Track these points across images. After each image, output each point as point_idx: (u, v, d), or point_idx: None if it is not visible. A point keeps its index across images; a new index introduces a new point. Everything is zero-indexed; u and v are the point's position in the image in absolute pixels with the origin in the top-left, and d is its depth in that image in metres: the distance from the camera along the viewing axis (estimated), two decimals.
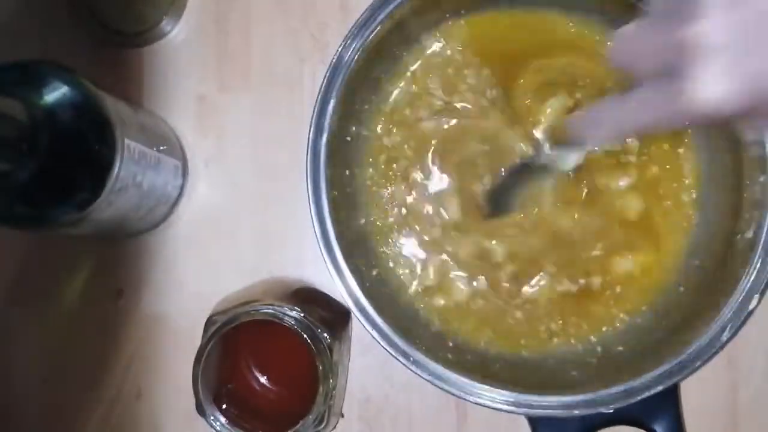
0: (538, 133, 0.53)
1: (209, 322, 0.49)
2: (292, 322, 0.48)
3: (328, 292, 0.56)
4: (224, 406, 0.48)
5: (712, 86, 0.32)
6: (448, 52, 0.55)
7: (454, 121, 0.54)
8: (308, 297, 0.56)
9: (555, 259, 0.54)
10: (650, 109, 0.36)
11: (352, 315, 0.49)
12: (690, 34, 0.32)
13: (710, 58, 0.32)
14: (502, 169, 0.54)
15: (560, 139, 0.52)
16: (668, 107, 0.35)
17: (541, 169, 0.52)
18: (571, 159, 0.49)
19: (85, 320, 0.58)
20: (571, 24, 0.54)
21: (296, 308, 0.48)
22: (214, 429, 0.48)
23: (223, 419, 0.48)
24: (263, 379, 0.52)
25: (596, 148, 0.52)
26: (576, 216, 0.54)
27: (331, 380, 0.48)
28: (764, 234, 0.47)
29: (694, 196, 0.54)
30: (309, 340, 0.47)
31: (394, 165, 0.55)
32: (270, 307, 0.48)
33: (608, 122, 0.40)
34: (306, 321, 0.48)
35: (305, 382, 0.48)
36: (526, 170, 0.53)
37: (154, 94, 0.58)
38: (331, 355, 0.48)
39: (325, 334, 0.48)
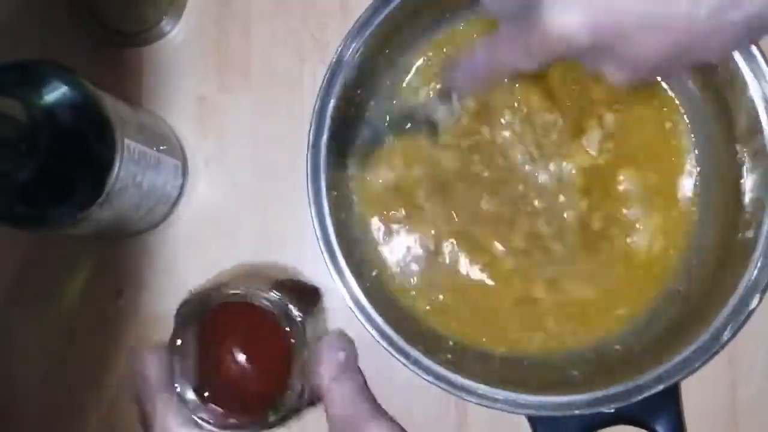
0: None
1: (179, 311, 0.48)
2: (263, 302, 0.47)
3: (321, 286, 0.56)
4: (206, 395, 0.48)
5: (565, 14, 0.32)
6: (449, 52, 0.55)
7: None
8: (278, 278, 0.55)
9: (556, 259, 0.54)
10: (514, 44, 0.37)
11: (323, 293, 0.50)
12: None
13: None
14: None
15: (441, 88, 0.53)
16: (529, 39, 0.35)
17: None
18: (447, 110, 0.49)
19: (85, 320, 0.58)
20: None
21: (266, 288, 0.48)
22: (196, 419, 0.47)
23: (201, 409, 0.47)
24: (242, 362, 0.52)
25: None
26: (577, 216, 0.54)
27: (306, 354, 0.48)
28: (764, 233, 0.47)
29: (693, 195, 0.54)
30: (281, 318, 0.47)
31: (395, 165, 0.54)
32: (240, 288, 0.47)
33: (480, 64, 0.40)
34: (277, 300, 0.47)
35: (284, 362, 0.48)
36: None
37: (154, 94, 0.58)
38: (305, 330, 0.48)
39: (296, 311, 0.48)
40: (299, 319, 0.48)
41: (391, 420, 0.46)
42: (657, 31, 0.33)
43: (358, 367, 0.48)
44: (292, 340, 0.47)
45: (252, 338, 0.50)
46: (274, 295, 0.48)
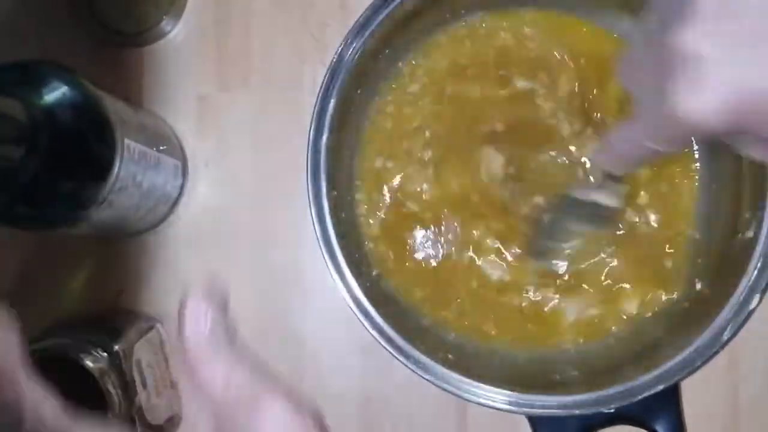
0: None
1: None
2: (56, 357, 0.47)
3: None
4: None
5: (695, 98, 0.31)
6: (449, 52, 0.55)
7: (453, 122, 0.54)
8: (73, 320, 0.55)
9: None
10: (650, 128, 0.36)
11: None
12: (675, 43, 0.32)
13: (694, 69, 0.31)
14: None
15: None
16: (663, 123, 0.34)
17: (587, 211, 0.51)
18: (610, 192, 0.49)
19: None
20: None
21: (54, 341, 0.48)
22: None
23: None
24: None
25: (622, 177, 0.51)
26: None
27: (137, 392, 0.49)
28: (764, 233, 0.47)
29: (694, 194, 0.54)
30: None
31: (395, 165, 0.54)
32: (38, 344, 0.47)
33: (618, 147, 0.40)
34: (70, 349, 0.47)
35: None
36: (572, 205, 0.52)
37: (154, 94, 0.58)
38: (121, 371, 0.48)
39: (99, 353, 0.48)
40: (106, 359, 0.48)
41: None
42: None
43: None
44: (108, 388, 0.47)
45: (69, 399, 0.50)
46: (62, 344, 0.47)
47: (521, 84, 0.54)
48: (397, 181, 0.54)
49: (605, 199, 0.50)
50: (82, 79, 0.44)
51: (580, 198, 0.51)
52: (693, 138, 0.34)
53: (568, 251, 0.53)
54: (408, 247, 0.54)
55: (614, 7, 0.53)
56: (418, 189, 0.54)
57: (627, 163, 0.43)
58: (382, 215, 0.54)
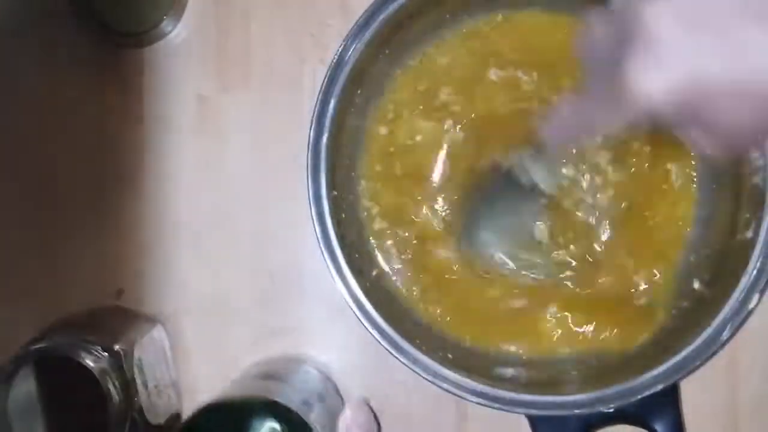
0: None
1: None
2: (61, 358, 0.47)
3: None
4: None
5: (649, 76, 0.31)
6: (449, 53, 0.55)
7: (454, 124, 0.54)
8: (76, 320, 0.55)
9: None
10: (600, 103, 0.36)
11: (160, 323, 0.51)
12: (637, 16, 0.31)
13: (651, 46, 0.31)
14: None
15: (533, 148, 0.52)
16: (613, 98, 0.34)
17: (519, 186, 0.52)
18: (548, 172, 0.49)
19: None
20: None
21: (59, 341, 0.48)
22: None
23: None
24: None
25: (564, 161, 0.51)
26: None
27: (138, 391, 0.49)
28: (763, 233, 0.47)
29: (693, 194, 0.54)
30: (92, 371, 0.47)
31: (395, 165, 0.55)
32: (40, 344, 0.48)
33: (569, 121, 0.40)
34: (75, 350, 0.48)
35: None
36: (507, 186, 0.52)
37: (155, 95, 0.58)
38: (121, 370, 0.48)
39: (99, 352, 0.48)
40: (108, 360, 0.48)
41: None
42: (746, 97, 0.31)
43: None
44: (109, 389, 0.47)
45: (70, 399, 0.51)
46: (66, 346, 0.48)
47: (523, 84, 0.54)
48: (398, 179, 0.54)
49: (540, 177, 0.50)
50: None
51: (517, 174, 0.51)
52: (638, 116, 0.34)
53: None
54: (409, 246, 0.54)
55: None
56: (420, 188, 0.54)
57: (572, 136, 0.43)
58: (383, 215, 0.55)
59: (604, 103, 0.36)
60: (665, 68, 0.31)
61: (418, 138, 0.55)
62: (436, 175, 0.54)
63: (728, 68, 0.30)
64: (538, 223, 0.53)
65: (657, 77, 0.31)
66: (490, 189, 0.53)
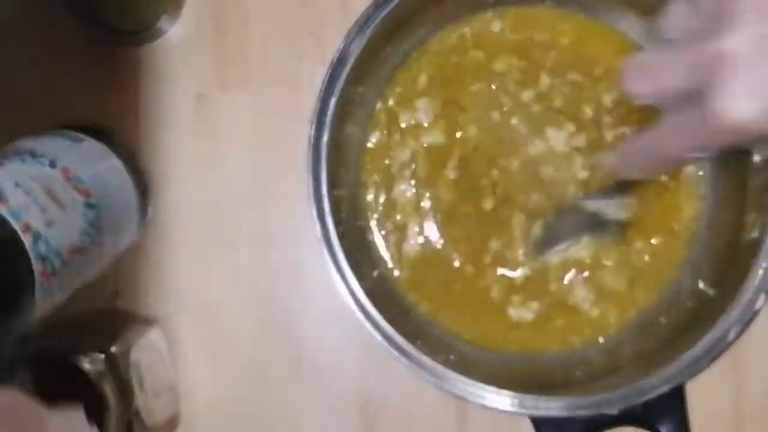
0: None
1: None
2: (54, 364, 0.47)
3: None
4: None
5: (741, 103, 0.31)
6: (450, 53, 0.54)
7: (455, 123, 0.54)
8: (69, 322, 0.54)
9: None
10: (680, 136, 0.36)
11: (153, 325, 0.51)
12: (717, 49, 0.31)
13: (739, 74, 0.31)
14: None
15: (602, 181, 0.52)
16: (698, 131, 0.34)
17: (589, 219, 0.51)
18: (618, 204, 0.49)
19: None
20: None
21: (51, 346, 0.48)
22: None
23: None
24: None
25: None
26: None
27: (135, 393, 0.49)
28: None
29: (698, 195, 0.53)
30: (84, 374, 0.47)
31: (395, 165, 0.54)
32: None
33: (641, 154, 0.40)
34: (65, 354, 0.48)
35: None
36: (576, 219, 0.52)
37: (153, 94, 0.58)
38: (118, 373, 0.48)
39: (95, 355, 0.48)
40: (101, 363, 0.48)
41: None
42: None
43: None
44: (105, 391, 0.47)
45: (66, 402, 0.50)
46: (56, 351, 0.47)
47: (527, 83, 0.54)
48: (398, 179, 0.54)
49: (612, 211, 0.50)
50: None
51: (586, 206, 0.51)
52: (729, 144, 0.33)
53: (564, 251, 0.53)
54: (410, 246, 0.54)
55: (622, 6, 0.53)
56: (422, 187, 0.54)
57: (646, 171, 0.42)
58: (385, 214, 0.54)
59: (683, 134, 0.35)
60: (755, 89, 0.31)
61: (421, 137, 0.54)
62: (437, 175, 0.54)
63: None
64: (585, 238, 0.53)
65: (747, 103, 0.31)
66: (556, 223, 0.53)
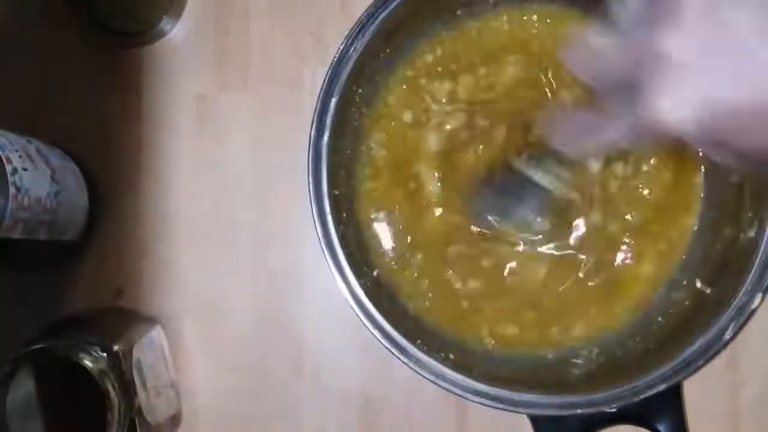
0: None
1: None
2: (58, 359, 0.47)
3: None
4: None
5: (666, 103, 0.31)
6: (450, 51, 0.55)
7: (455, 125, 0.54)
8: (73, 320, 0.55)
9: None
10: (614, 123, 0.36)
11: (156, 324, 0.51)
12: (657, 46, 0.31)
13: (671, 75, 0.31)
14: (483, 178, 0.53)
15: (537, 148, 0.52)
16: (629, 120, 0.34)
17: (525, 182, 0.51)
18: (550, 173, 0.49)
19: None
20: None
21: (56, 341, 0.48)
22: None
23: None
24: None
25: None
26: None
27: (137, 392, 0.49)
28: (767, 233, 0.47)
29: (695, 194, 0.54)
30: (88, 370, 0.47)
31: (395, 165, 0.54)
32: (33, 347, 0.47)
33: (576, 135, 0.40)
34: (70, 349, 0.48)
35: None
36: (513, 182, 0.52)
37: (154, 94, 0.58)
38: (120, 371, 0.48)
39: (98, 353, 0.48)
40: (104, 360, 0.48)
41: None
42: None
43: None
44: (108, 389, 0.47)
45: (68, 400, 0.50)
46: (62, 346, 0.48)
47: (527, 83, 0.54)
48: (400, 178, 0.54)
49: (540, 178, 0.50)
50: None
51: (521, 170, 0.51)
52: (654, 137, 0.34)
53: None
54: (411, 245, 0.54)
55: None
56: (423, 186, 0.54)
57: (578, 142, 0.42)
58: (386, 214, 0.54)
59: (615, 118, 0.35)
60: (683, 94, 0.31)
61: (415, 139, 0.54)
62: (438, 174, 0.54)
63: (748, 90, 0.30)
64: (538, 219, 0.53)
65: (676, 103, 0.31)
66: (498, 183, 0.53)
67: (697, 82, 0.31)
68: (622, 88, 0.34)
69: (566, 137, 0.42)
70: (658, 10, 0.32)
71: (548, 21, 0.54)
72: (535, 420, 0.49)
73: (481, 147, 0.54)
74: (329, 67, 0.49)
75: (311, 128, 0.49)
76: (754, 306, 0.47)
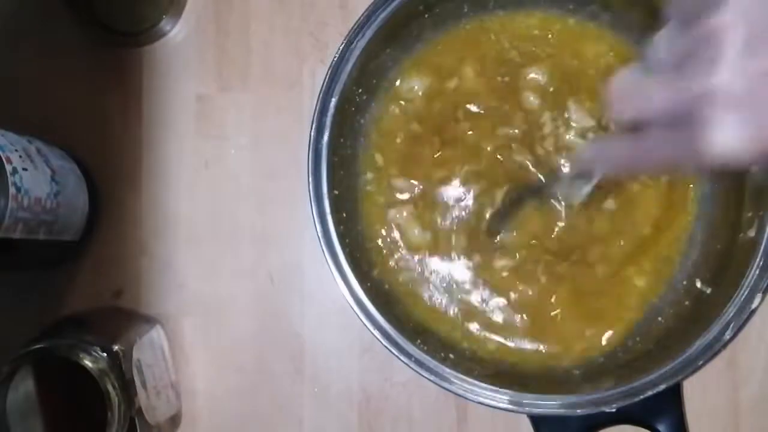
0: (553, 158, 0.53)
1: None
2: (58, 359, 0.47)
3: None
4: None
5: (729, 135, 0.32)
6: (450, 51, 0.55)
7: (456, 125, 0.54)
8: (73, 319, 0.55)
9: (560, 258, 0.54)
10: (662, 152, 0.36)
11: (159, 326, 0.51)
12: (707, 83, 0.32)
13: (727, 108, 0.32)
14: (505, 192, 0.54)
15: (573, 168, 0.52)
16: (681, 152, 0.35)
17: (546, 195, 0.52)
18: (581, 190, 0.49)
19: None
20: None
21: (57, 340, 0.48)
22: None
23: None
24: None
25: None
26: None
27: (137, 392, 0.49)
28: (766, 233, 0.47)
29: (695, 194, 0.54)
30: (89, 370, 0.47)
31: (397, 164, 0.54)
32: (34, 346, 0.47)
33: (618, 159, 0.40)
34: (72, 350, 0.47)
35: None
36: (532, 195, 0.53)
37: (154, 94, 0.58)
38: (120, 371, 0.48)
39: (98, 353, 0.48)
40: (105, 360, 0.48)
41: None
42: None
43: None
44: (108, 389, 0.47)
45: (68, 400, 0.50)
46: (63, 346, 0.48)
47: (523, 83, 0.54)
48: (399, 178, 0.54)
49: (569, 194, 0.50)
50: None
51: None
52: (704, 167, 0.35)
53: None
54: (411, 244, 0.54)
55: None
56: (423, 186, 0.54)
57: (615, 171, 0.42)
58: (386, 214, 0.54)
59: (668, 147, 0.36)
60: (736, 127, 0.32)
61: (414, 139, 0.55)
62: (438, 174, 0.54)
63: None
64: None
65: (735, 133, 0.32)
66: (516, 195, 0.53)
67: (748, 115, 0.32)
68: (671, 120, 0.34)
69: (610, 161, 0.42)
70: (698, 43, 0.33)
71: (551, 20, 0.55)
72: (535, 420, 0.49)
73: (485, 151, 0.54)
74: (329, 67, 0.49)
75: (311, 128, 0.49)
76: (754, 306, 0.47)
